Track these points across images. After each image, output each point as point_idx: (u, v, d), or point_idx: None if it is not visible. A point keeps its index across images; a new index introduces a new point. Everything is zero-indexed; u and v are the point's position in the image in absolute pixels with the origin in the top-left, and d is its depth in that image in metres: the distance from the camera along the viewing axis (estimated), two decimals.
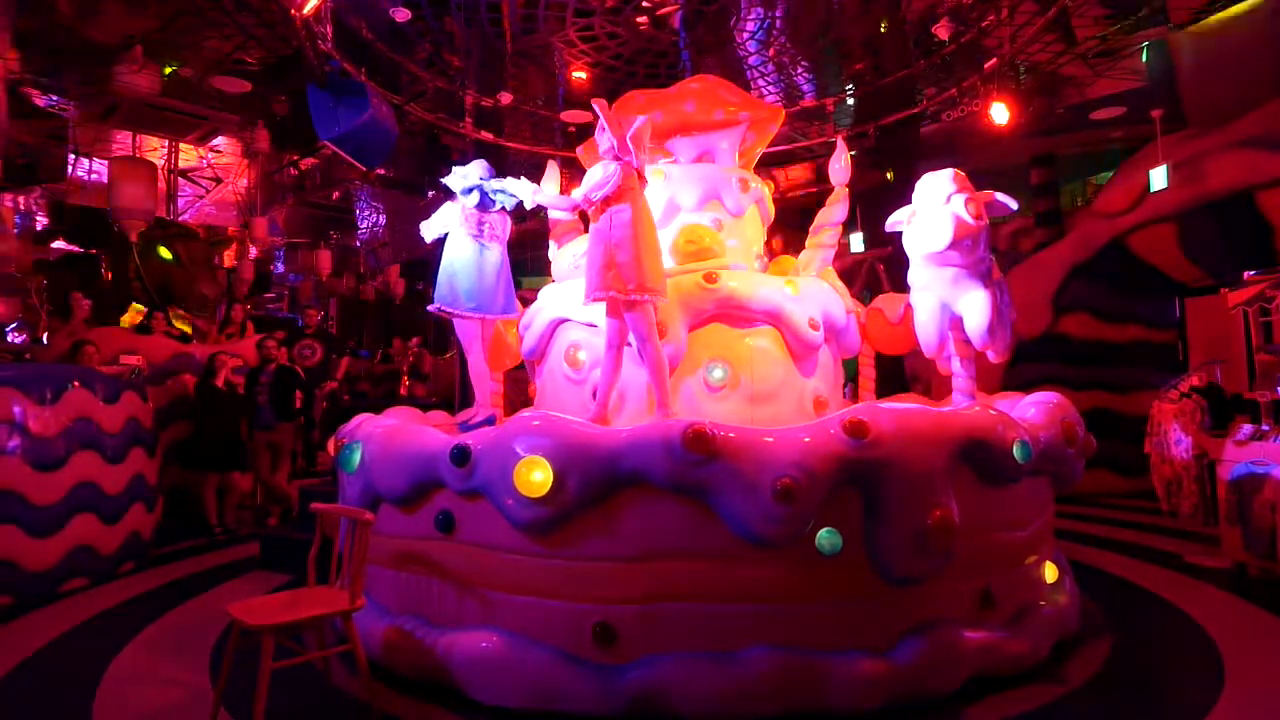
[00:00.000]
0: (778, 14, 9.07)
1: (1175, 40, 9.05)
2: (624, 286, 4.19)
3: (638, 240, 4.25)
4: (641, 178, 4.40)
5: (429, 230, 5.09)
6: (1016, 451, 3.85)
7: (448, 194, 5.04)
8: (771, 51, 10.15)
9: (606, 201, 4.31)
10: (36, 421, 5.64)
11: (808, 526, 3.45)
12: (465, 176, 4.93)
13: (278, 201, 16.80)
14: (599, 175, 4.34)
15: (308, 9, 7.04)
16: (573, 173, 7.22)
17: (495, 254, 4.96)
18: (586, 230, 4.59)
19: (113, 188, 11.76)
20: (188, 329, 9.56)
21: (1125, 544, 6.82)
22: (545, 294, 5.43)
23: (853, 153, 5.75)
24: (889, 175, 9.92)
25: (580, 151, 6.29)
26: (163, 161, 14.71)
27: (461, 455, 3.73)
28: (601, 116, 4.34)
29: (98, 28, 9.91)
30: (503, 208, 4.99)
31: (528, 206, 4.91)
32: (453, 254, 4.90)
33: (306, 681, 3.89)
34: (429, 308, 4.97)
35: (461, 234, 4.90)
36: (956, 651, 3.61)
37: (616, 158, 4.32)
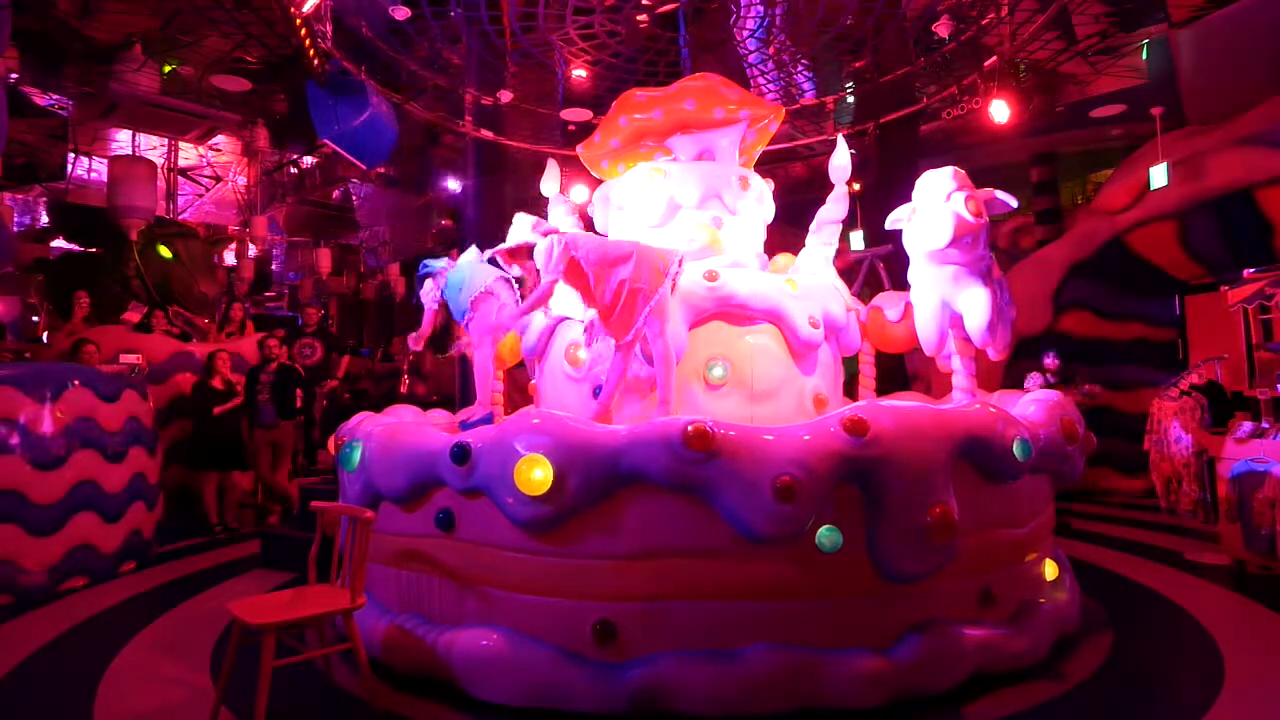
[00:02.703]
0: (778, 11, 9.05)
1: (1175, 38, 9.04)
2: (654, 283, 4.28)
3: (617, 243, 4.33)
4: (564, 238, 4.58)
5: (427, 315, 5.48)
6: (1016, 449, 3.85)
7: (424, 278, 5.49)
8: (771, 49, 10.14)
9: (570, 262, 4.41)
10: (37, 420, 5.65)
11: (808, 524, 3.45)
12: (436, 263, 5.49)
13: (277, 200, 16.81)
14: (542, 255, 4.45)
15: (307, 7, 7.02)
16: (573, 170, 7.20)
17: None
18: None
19: (112, 186, 11.76)
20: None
21: (1125, 541, 6.83)
22: None
23: (853, 150, 5.73)
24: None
25: (581, 150, 6.29)
26: (162, 160, 14.71)
27: (462, 454, 3.73)
28: (501, 260, 4.80)
29: (97, 26, 9.91)
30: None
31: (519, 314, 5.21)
32: (454, 273, 5.15)
33: (307, 680, 3.90)
34: (465, 327, 5.26)
35: (455, 269, 5.30)
36: (957, 649, 3.62)
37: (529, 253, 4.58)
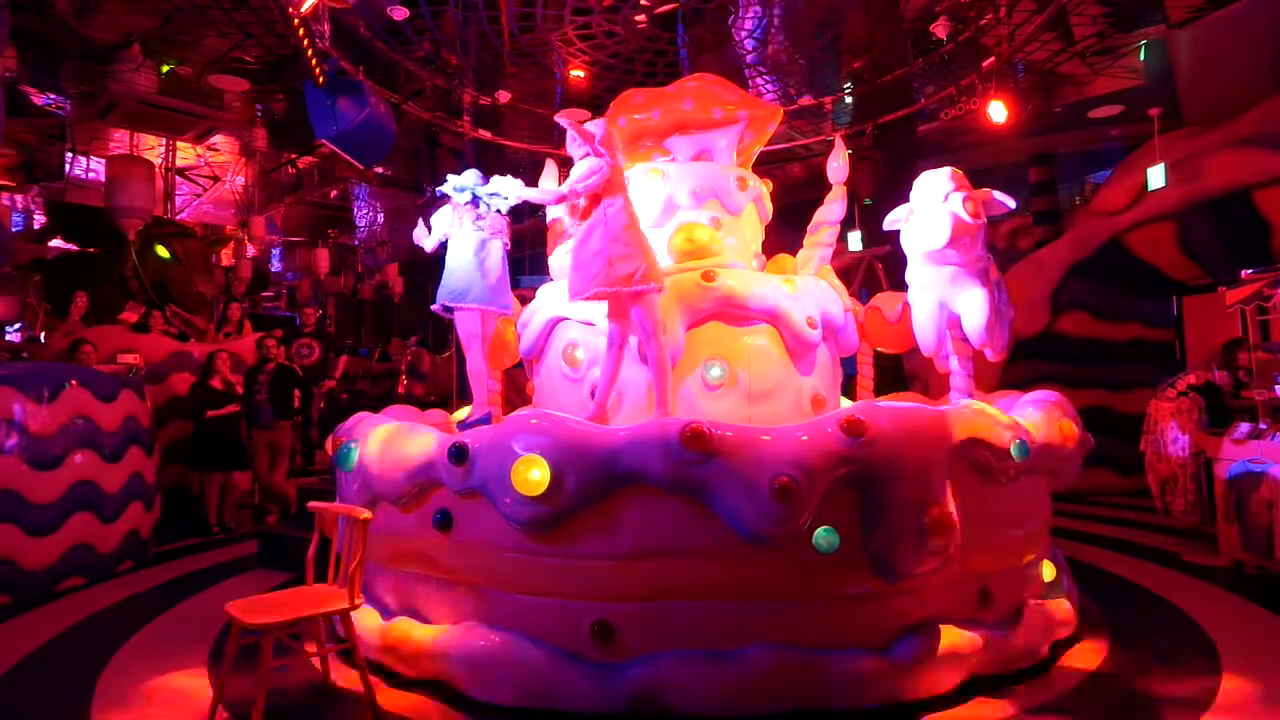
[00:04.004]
0: (775, 12, 9.07)
1: (1173, 38, 9.05)
2: (628, 279, 4.18)
3: (635, 231, 4.27)
4: (620, 177, 4.41)
5: (428, 241, 5.14)
6: (1014, 450, 3.86)
7: (443, 200, 5.08)
8: (770, 50, 10.15)
9: (596, 197, 4.33)
10: (34, 420, 5.64)
11: (805, 525, 3.45)
12: (460, 180, 5.01)
13: (275, 200, 16.80)
14: (584, 169, 4.36)
15: (305, 8, 7.01)
16: (571, 170, 7.22)
17: (497, 251, 4.98)
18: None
19: (110, 186, 11.75)
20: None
21: (1123, 542, 6.83)
22: (543, 293, 5.43)
23: (850, 151, 5.74)
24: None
25: None
26: (160, 160, 14.70)
27: (459, 454, 3.73)
28: (570, 129, 4.42)
29: (96, 26, 9.90)
30: (498, 211, 5.03)
31: (512, 202, 4.94)
32: (454, 253, 4.95)
33: (305, 680, 3.89)
34: (432, 308, 5.01)
35: (461, 233, 4.93)
36: (955, 650, 3.62)
37: (596, 154, 4.34)
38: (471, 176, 5.04)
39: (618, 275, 4.18)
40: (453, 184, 5.03)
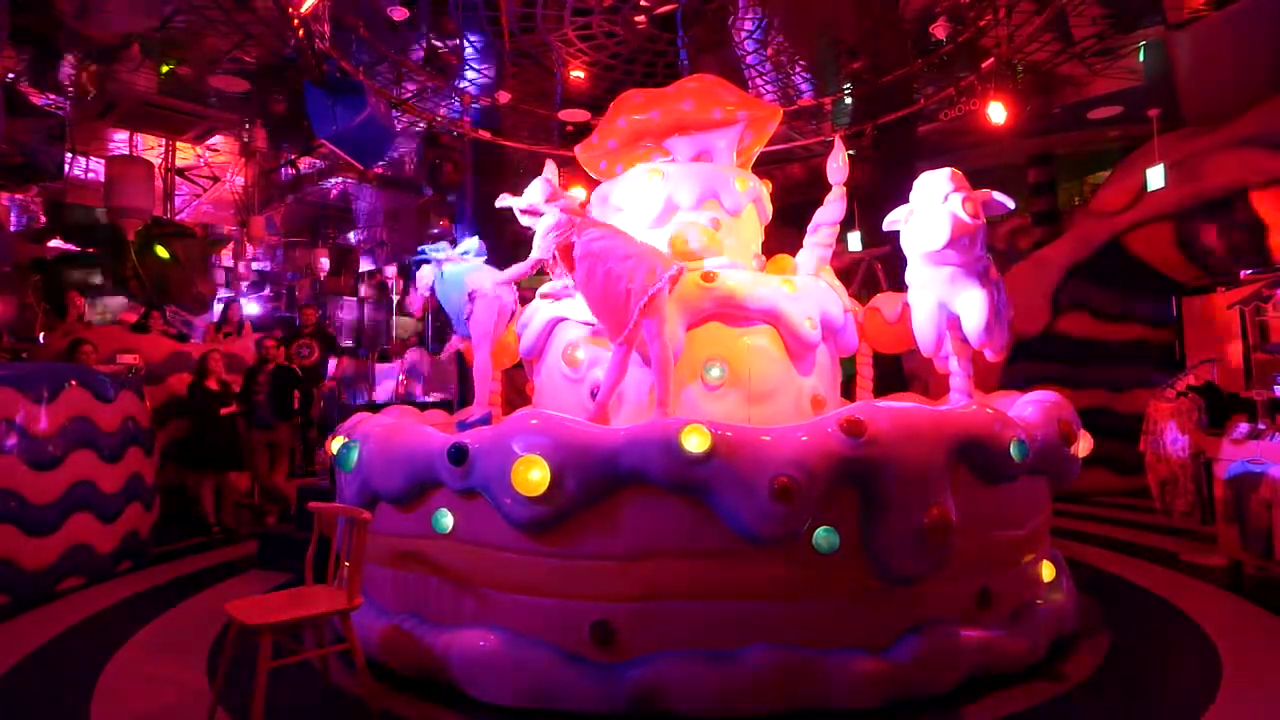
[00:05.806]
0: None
1: (1172, 40, 9.05)
2: (653, 276, 4.21)
3: (624, 239, 4.31)
4: (573, 212, 4.55)
5: (422, 287, 5.56)
6: (1014, 450, 3.86)
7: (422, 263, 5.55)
8: (770, 51, 10.16)
9: (566, 245, 4.44)
10: (34, 420, 5.64)
11: (805, 525, 3.46)
12: (435, 251, 5.50)
13: (275, 200, 16.79)
14: (545, 227, 4.50)
15: (305, 8, 7.02)
16: (571, 171, 7.22)
17: None
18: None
19: (110, 186, 11.75)
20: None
21: (1123, 543, 6.84)
22: (543, 293, 5.44)
23: (851, 152, 5.74)
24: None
25: (578, 150, 6.29)
26: (160, 160, 14.69)
27: (459, 454, 3.73)
28: (515, 208, 4.65)
29: (96, 26, 9.89)
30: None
31: (502, 280, 5.24)
32: (450, 279, 5.32)
33: (305, 680, 3.89)
34: (458, 343, 5.31)
35: (446, 269, 5.35)
36: (954, 650, 3.62)
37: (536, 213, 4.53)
38: (443, 250, 5.52)
39: (641, 284, 4.21)
40: (429, 253, 5.53)
